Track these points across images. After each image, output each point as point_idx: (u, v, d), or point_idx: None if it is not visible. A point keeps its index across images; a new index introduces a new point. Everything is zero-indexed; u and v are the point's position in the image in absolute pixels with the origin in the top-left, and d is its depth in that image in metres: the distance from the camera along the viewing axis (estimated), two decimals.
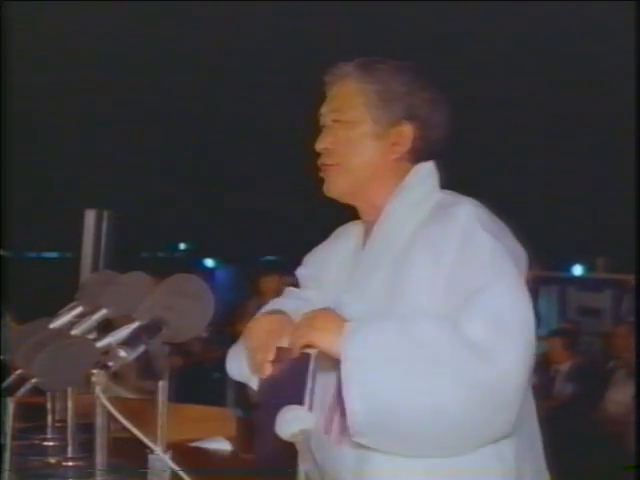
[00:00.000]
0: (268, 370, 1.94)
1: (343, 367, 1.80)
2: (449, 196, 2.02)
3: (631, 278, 9.27)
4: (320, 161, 2.05)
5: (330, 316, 1.88)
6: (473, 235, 1.89)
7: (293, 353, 1.85)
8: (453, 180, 2.10)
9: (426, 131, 2.03)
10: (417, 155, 2.05)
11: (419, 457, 1.86)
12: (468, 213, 1.91)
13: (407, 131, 2.02)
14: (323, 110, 2.08)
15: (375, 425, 1.80)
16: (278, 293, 2.36)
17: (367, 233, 2.08)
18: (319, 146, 2.05)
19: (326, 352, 1.84)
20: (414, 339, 1.80)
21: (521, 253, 1.97)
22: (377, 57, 2.08)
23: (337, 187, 2.04)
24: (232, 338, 2.28)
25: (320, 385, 1.87)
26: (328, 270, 2.16)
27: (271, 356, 1.94)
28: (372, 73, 2.03)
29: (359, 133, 2.02)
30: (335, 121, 2.04)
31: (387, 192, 2.03)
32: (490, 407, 1.79)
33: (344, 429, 1.87)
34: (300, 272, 2.27)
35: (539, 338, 1.98)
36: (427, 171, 2.06)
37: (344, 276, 2.09)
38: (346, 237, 2.17)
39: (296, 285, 2.30)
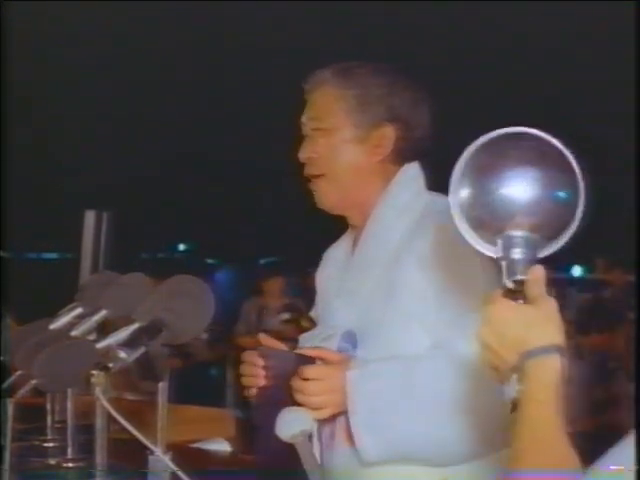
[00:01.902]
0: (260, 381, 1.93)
1: (351, 419, 1.81)
2: (438, 198, 1.97)
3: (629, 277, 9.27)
4: (305, 172, 2.02)
5: (332, 380, 1.83)
6: (462, 250, 1.85)
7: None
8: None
9: (409, 131, 2.00)
10: (402, 156, 2.01)
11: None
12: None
13: (389, 132, 1.98)
14: (303, 119, 2.04)
15: (391, 458, 1.83)
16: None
17: (356, 240, 2.05)
18: (302, 156, 2.01)
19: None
20: (413, 378, 1.81)
21: None
22: (356, 61, 2.04)
23: (328, 199, 2.01)
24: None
25: None
26: (321, 288, 2.15)
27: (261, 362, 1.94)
28: (350, 78, 2.00)
29: (339, 139, 1.98)
30: (315, 129, 2.01)
31: (375, 196, 2.00)
32: (494, 424, 1.79)
33: (334, 435, 1.87)
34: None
35: None
36: (413, 173, 2.03)
37: (335, 283, 2.07)
38: (335, 251, 2.15)
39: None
